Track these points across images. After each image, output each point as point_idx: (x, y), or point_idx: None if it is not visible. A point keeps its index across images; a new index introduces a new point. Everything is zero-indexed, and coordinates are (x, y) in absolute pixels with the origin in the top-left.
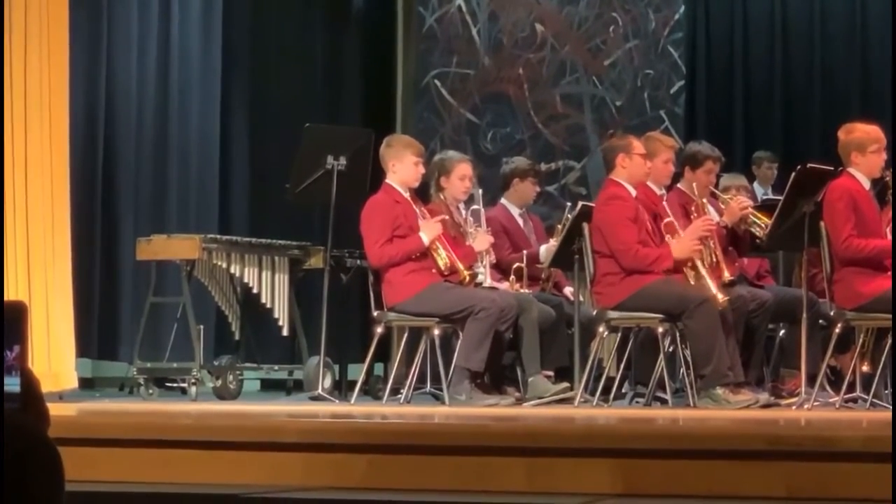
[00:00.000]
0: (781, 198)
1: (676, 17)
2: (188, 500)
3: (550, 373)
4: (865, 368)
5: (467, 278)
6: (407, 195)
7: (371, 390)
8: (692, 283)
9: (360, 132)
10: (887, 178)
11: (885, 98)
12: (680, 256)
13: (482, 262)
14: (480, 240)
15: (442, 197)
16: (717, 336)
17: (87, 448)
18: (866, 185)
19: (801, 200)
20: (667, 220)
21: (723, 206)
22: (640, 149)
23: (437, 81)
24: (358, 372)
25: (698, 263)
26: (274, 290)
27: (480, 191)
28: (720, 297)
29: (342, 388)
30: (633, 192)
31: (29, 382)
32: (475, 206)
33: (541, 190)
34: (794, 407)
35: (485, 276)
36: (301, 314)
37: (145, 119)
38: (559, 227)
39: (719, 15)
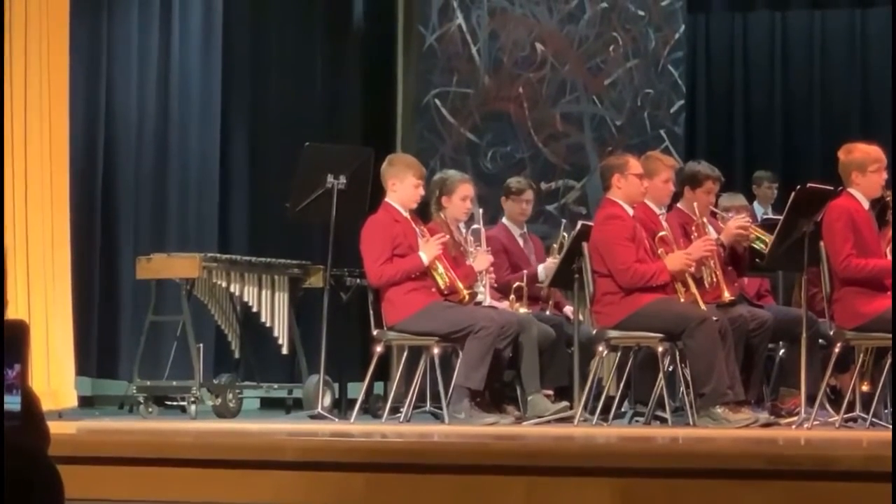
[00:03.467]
0: (781, 217)
1: (677, 36)
2: None
3: (550, 392)
4: (865, 388)
5: (467, 297)
6: (406, 214)
7: (371, 409)
8: (682, 299)
9: (359, 151)
10: (887, 198)
11: (884, 118)
12: (675, 268)
13: (482, 281)
14: (480, 259)
15: (442, 216)
16: (717, 355)
17: (87, 466)
18: (866, 205)
19: (800, 220)
20: (660, 233)
21: (722, 225)
22: (636, 168)
23: (437, 100)
24: (358, 390)
25: (689, 280)
26: (274, 308)
27: (481, 210)
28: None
29: (342, 406)
30: (631, 212)
31: (30, 401)
32: (475, 226)
33: (540, 209)
34: (793, 426)
35: (484, 296)
36: (301, 333)
37: (145, 138)
38: (555, 246)
39: (719, 35)
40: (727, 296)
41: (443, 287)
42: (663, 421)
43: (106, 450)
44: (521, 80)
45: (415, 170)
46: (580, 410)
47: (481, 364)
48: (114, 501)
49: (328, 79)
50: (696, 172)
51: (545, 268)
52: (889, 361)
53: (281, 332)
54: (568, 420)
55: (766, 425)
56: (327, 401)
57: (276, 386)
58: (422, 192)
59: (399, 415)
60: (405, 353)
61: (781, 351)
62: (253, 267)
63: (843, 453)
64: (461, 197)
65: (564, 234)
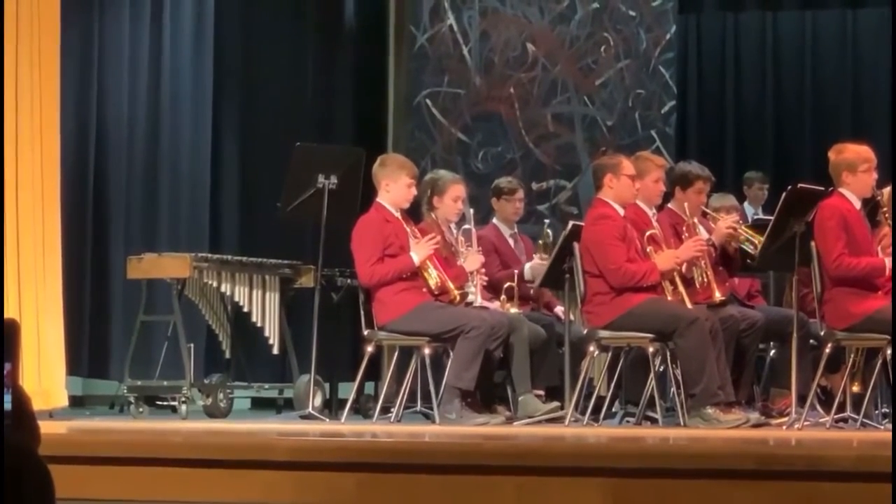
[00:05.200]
0: (772, 218)
1: (668, 37)
2: None
3: (541, 392)
4: (856, 388)
5: (458, 298)
6: (398, 214)
7: (361, 409)
8: (669, 297)
9: (351, 151)
10: (878, 198)
11: (875, 118)
12: (664, 268)
13: (473, 281)
14: (471, 260)
15: (433, 216)
16: (708, 355)
17: (78, 466)
18: (857, 204)
19: (791, 220)
20: (649, 231)
21: (713, 225)
22: (628, 169)
23: (428, 100)
24: (348, 390)
25: (677, 279)
26: (264, 308)
27: (472, 210)
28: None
29: (332, 406)
30: (622, 212)
31: (20, 400)
32: (466, 226)
33: (531, 209)
34: (784, 426)
35: (475, 296)
36: (291, 333)
37: (136, 138)
38: (540, 244)
39: (711, 35)
40: (718, 296)
41: (434, 287)
42: (654, 421)
43: (97, 449)
44: (512, 81)
45: (408, 170)
46: (571, 410)
47: (472, 364)
48: (105, 501)
49: (319, 79)
50: (686, 172)
51: (531, 267)
52: (880, 361)
53: (272, 332)
54: (559, 420)
55: (757, 426)
56: (318, 401)
57: (266, 386)
58: (414, 191)
59: (390, 415)
60: (396, 353)
61: (772, 351)
62: (244, 267)
63: (833, 454)
64: (453, 197)
65: (549, 231)
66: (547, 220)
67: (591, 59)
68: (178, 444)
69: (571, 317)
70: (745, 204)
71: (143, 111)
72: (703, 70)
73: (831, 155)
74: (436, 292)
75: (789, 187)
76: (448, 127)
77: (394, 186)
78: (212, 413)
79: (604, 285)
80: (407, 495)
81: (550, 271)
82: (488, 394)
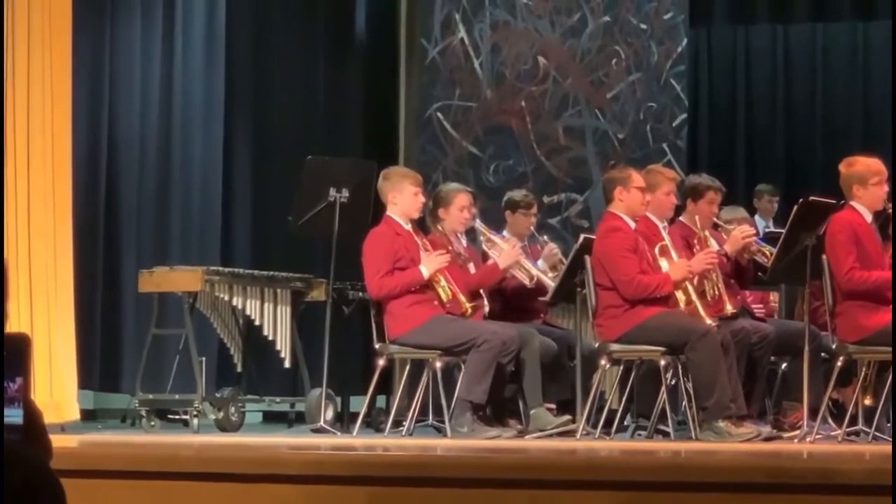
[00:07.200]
0: (783, 231)
1: (679, 49)
2: None
3: (552, 405)
4: (867, 402)
5: (469, 310)
6: (408, 227)
7: (373, 422)
8: (682, 307)
9: (362, 164)
10: (889, 211)
11: (886, 130)
12: (676, 278)
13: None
14: (505, 255)
15: (440, 228)
16: (720, 369)
17: (89, 480)
18: (868, 217)
19: (802, 234)
20: (660, 243)
21: (725, 237)
22: (638, 182)
23: (439, 114)
24: (360, 404)
25: (689, 288)
26: (276, 322)
27: (483, 238)
28: (709, 321)
29: (344, 420)
30: (633, 224)
31: (32, 414)
32: (484, 247)
33: (542, 222)
34: (796, 440)
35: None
36: (303, 346)
37: (148, 151)
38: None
39: (722, 48)
40: (729, 308)
41: (445, 300)
42: (666, 435)
43: (108, 463)
44: (523, 94)
45: (411, 178)
46: (583, 424)
47: (483, 378)
48: None
49: (330, 92)
50: (697, 184)
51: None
52: (892, 374)
53: (283, 346)
54: (570, 434)
55: (769, 439)
56: (329, 414)
57: (278, 399)
58: (422, 198)
59: (401, 428)
60: (407, 367)
61: (784, 364)
62: (255, 280)
63: (845, 467)
64: (459, 208)
65: (543, 241)
66: (538, 231)
67: (603, 72)
68: (190, 457)
69: (583, 330)
70: (756, 217)
71: (154, 124)
72: (714, 83)
73: (842, 168)
74: (447, 305)
75: (800, 200)
76: (459, 140)
77: (400, 197)
78: (223, 427)
79: (615, 298)
80: None
81: (562, 285)
82: (500, 407)
